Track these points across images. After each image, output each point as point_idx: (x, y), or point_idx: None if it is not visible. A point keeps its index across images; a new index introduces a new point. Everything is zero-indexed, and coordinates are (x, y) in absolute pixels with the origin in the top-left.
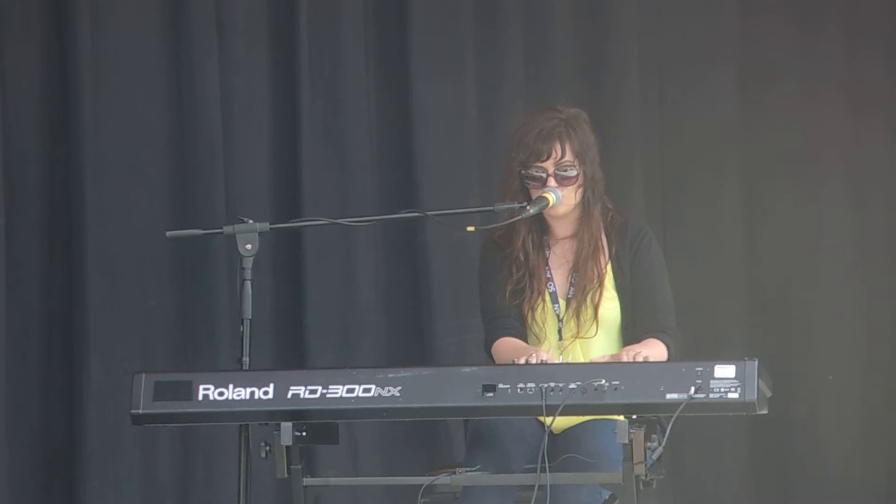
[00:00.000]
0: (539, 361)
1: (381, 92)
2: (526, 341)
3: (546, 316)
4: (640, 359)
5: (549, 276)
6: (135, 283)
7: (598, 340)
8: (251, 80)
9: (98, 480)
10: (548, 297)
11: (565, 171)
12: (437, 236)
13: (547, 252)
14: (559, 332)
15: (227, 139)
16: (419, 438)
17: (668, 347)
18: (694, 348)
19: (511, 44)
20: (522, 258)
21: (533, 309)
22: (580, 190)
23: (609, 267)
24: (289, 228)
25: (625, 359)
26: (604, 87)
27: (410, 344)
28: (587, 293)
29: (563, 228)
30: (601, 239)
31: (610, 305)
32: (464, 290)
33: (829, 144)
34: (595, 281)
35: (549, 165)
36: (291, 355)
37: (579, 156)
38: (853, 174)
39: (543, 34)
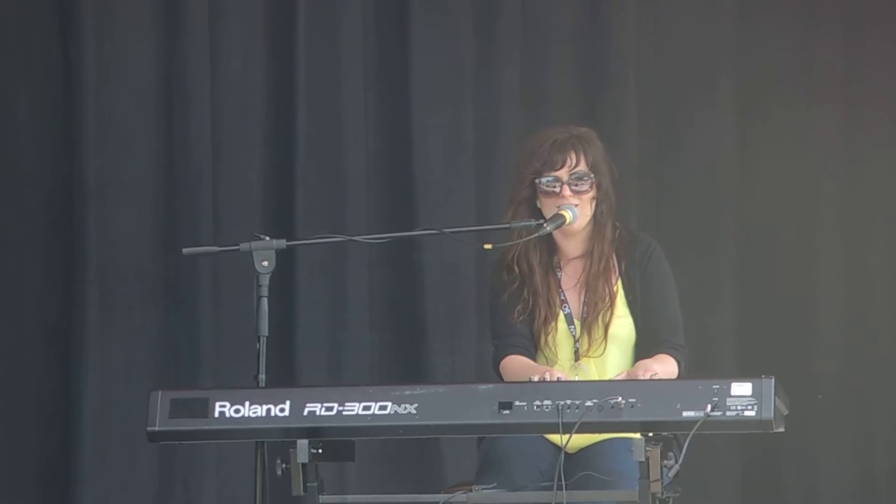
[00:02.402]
0: (555, 379)
1: (379, 112)
2: (535, 360)
3: (559, 338)
4: (653, 376)
5: (563, 297)
6: (129, 302)
7: (613, 358)
8: (246, 99)
9: (92, 499)
10: (562, 319)
11: (579, 181)
12: (431, 256)
13: (559, 273)
14: (575, 352)
15: (219, 158)
16: (408, 456)
17: (679, 364)
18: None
19: (509, 64)
20: (533, 280)
21: (546, 332)
22: (594, 203)
23: (620, 284)
24: (302, 245)
25: (638, 374)
26: (601, 107)
27: (402, 363)
28: (598, 312)
29: (573, 248)
30: (611, 257)
31: (622, 322)
32: (457, 310)
33: (826, 162)
34: (607, 300)
35: (563, 174)
36: (281, 374)
37: (593, 168)
38: (850, 192)
39: (542, 55)
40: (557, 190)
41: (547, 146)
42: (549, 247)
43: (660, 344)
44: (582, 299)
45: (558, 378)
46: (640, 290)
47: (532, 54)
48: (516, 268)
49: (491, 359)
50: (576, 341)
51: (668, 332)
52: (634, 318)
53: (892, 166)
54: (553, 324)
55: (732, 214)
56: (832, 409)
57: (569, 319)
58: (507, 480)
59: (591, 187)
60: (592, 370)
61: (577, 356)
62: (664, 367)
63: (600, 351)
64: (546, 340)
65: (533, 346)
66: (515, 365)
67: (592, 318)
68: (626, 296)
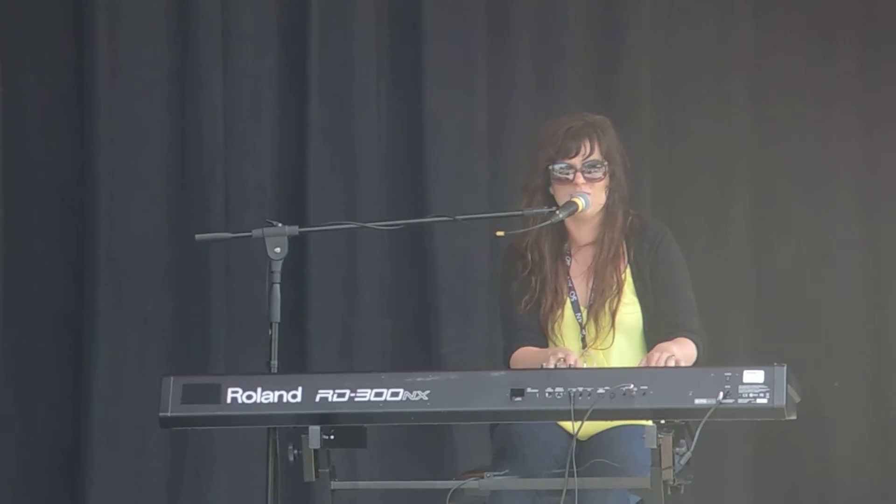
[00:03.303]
0: (567, 366)
1: (392, 100)
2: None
3: (565, 326)
4: (671, 362)
5: (570, 285)
6: (141, 289)
7: (619, 347)
8: (258, 87)
9: (103, 485)
10: (569, 307)
11: (593, 169)
12: (443, 242)
13: (568, 260)
14: (582, 339)
15: (231, 146)
16: (420, 442)
17: (698, 346)
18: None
19: (522, 54)
20: (542, 268)
21: (553, 320)
22: (606, 190)
23: (628, 272)
24: (315, 232)
25: (656, 357)
26: (615, 98)
27: (415, 350)
28: (605, 299)
29: (584, 234)
30: (621, 244)
31: (630, 311)
32: (470, 297)
33: (841, 156)
34: (614, 287)
35: (577, 162)
36: (293, 361)
37: (607, 156)
38: (864, 184)
39: (555, 44)
40: (570, 177)
41: (561, 134)
42: (560, 234)
43: (676, 329)
44: (590, 286)
45: (570, 365)
46: (651, 277)
47: (545, 43)
48: (528, 255)
49: (501, 350)
50: (582, 328)
51: (684, 317)
52: (643, 305)
53: None
54: (560, 311)
55: (747, 200)
56: (849, 396)
57: (575, 307)
58: (522, 467)
59: (604, 175)
60: (601, 359)
61: (583, 344)
62: (683, 349)
63: (608, 342)
64: (553, 329)
65: (542, 337)
66: (525, 356)
67: (599, 306)
68: (635, 282)
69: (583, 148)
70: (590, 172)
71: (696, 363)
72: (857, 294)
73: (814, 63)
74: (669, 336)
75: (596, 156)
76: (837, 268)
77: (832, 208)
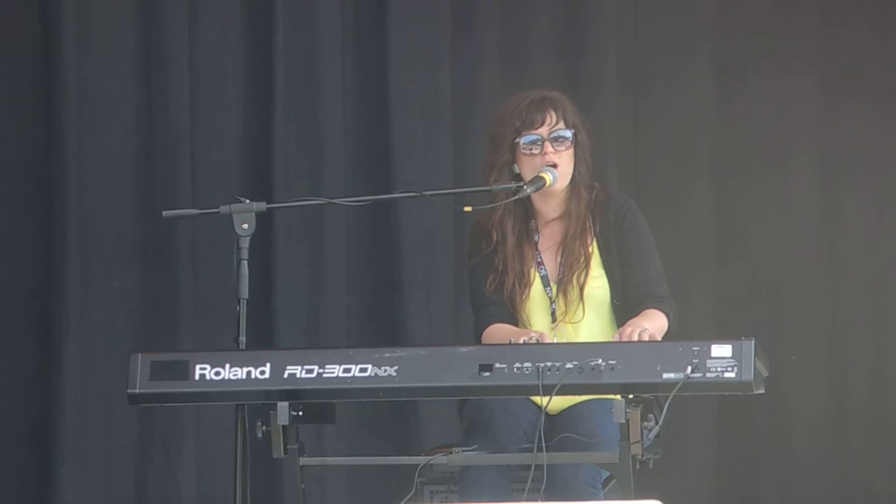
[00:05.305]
0: (535, 341)
1: (357, 76)
2: (516, 326)
3: (532, 304)
4: (645, 336)
5: (539, 260)
6: (109, 265)
7: (588, 320)
8: (224, 63)
9: (73, 461)
10: (538, 282)
11: (560, 139)
12: (408, 219)
13: (535, 237)
14: (552, 314)
15: (197, 122)
16: (386, 418)
17: (668, 316)
18: None
19: (488, 29)
20: (505, 248)
21: (519, 301)
22: (573, 161)
23: (595, 245)
24: (281, 209)
25: (628, 331)
26: (580, 73)
27: (380, 326)
28: (574, 272)
29: (551, 209)
30: (587, 217)
31: (597, 284)
32: (435, 272)
33: (803, 130)
34: (581, 261)
35: (544, 132)
36: (259, 337)
37: (573, 126)
38: (826, 160)
39: (520, 20)
40: (539, 150)
41: (524, 106)
42: (526, 211)
43: (645, 298)
44: (558, 261)
45: (537, 340)
46: (617, 248)
47: (510, 19)
48: (494, 233)
49: (472, 327)
50: (552, 303)
51: (652, 286)
52: (610, 278)
53: (869, 126)
54: (526, 292)
55: (710, 180)
56: (805, 369)
57: (545, 282)
58: (493, 441)
59: (571, 145)
60: (570, 333)
61: (553, 318)
62: (653, 322)
63: (579, 315)
64: (519, 307)
65: (511, 314)
66: (498, 333)
67: (568, 279)
68: (602, 255)
69: (549, 118)
70: (558, 142)
71: (668, 332)
72: (816, 268)
73: (777, 34)
74: (640, 305)
75: (562, 125)
76: (798, 243)
77: (794, 184)
